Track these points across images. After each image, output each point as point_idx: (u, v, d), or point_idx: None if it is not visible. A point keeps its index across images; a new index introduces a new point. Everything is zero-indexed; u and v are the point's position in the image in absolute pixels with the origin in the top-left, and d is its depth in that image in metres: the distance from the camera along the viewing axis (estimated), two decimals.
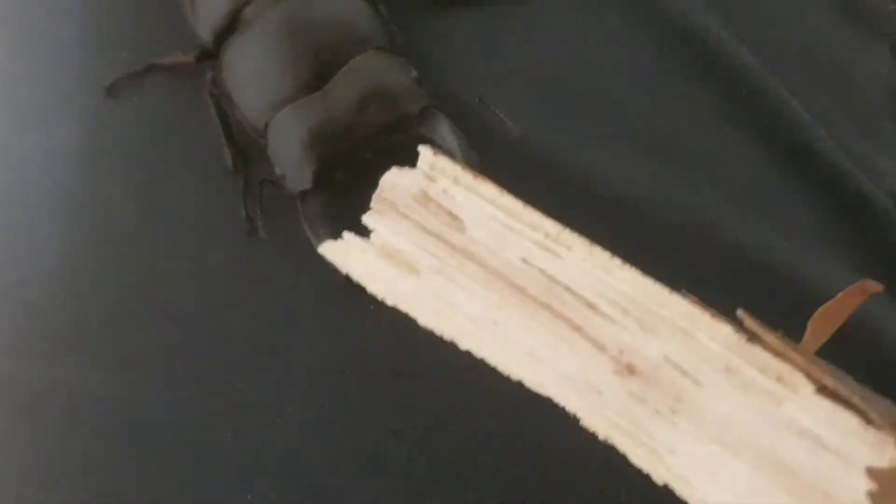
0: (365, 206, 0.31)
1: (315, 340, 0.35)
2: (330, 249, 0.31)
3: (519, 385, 0.27)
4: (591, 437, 0.26)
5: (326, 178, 0.34)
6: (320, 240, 0.32)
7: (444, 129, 0.34)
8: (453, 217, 0.30)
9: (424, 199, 0.30)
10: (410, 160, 0.31)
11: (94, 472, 0.35)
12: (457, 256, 0.29)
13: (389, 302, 0.30)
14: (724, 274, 0.34)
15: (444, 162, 0.31)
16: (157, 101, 0.39)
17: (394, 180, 0.31)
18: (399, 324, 0.31)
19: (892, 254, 0.38)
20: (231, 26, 0.37)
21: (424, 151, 0.31)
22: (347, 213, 0.31)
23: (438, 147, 0.32)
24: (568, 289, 0.28)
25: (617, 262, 0.28)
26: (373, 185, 0.31)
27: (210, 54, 0.38)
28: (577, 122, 0.37)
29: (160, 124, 0.39)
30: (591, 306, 0.27)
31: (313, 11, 0.36)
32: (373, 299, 0.30)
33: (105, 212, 0.37)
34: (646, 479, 0.25)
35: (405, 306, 0.29)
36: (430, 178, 0.30)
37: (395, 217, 0.31)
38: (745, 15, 0.39)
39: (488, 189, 0.30)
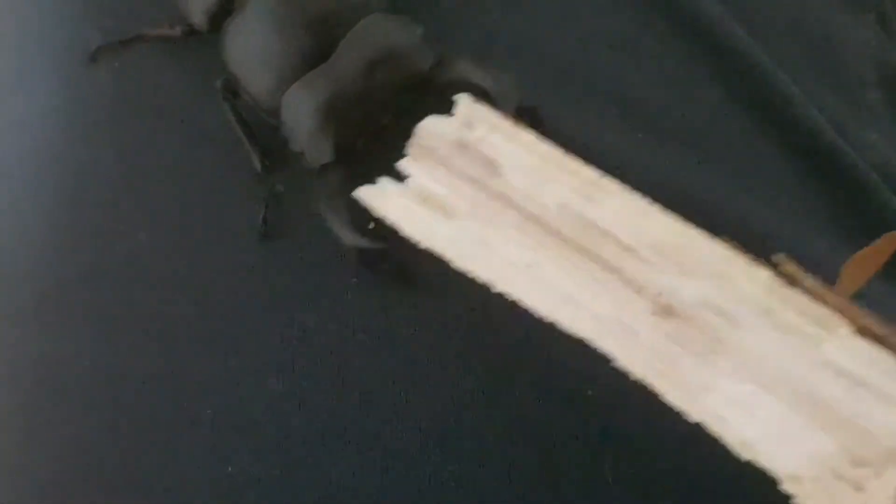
0: (389, 171, 0.31)
1: (295, 313, 0.34)
2: (366, 194, 0.31)
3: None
4: None
5: (346, 148, 0.33)
6: (340, 213, 0.32)
7: (470, 69, 0.33)
8: (490, 163, 0.30)
9: (461, 145, 0.31)
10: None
11: (71, 442, 0.34)
12: (493, 201, 0.29)
13: (424, 245, 0.30)
14: None
15: (481, 109, 0.31)
16: (139, 67, 0.38)
17: (431, 127, 0.31)
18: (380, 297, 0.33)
19: (877, 226, 0.37)
20: (225, 8, 0.36)
21: (462, 99, 0.31)
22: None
23: (471, 88, 0.31)
24: (605, 232, 0.28)
25: (655, 208, 0.28)
26: (394, 151, 0.31)
27: (194, 32, 0.37)
28: (560, 92, 0.37)
29: (142, 89, 0.38)
30: (629, 249, 0.27)
31: None
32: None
33: (86, 178, 0.37)
34: None
35: (440, 249, 0.29)
36: (468, 126, 0.31)
37: (431, 163, 0.31)
38: None
39: (526, 136, 0.30)
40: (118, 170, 0.37)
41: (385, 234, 0.31)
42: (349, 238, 0.32)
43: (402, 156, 0.31)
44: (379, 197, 0.31)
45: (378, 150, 0.32)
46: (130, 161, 0.37)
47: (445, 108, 0.31)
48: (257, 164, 0.36)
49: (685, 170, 0.36)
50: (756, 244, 0.34)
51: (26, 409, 0.35)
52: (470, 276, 0.29)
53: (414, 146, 0.31)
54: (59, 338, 0.35)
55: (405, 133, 0.31)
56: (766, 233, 0.35)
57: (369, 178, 0.31)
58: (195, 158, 0.37)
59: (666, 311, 0.26)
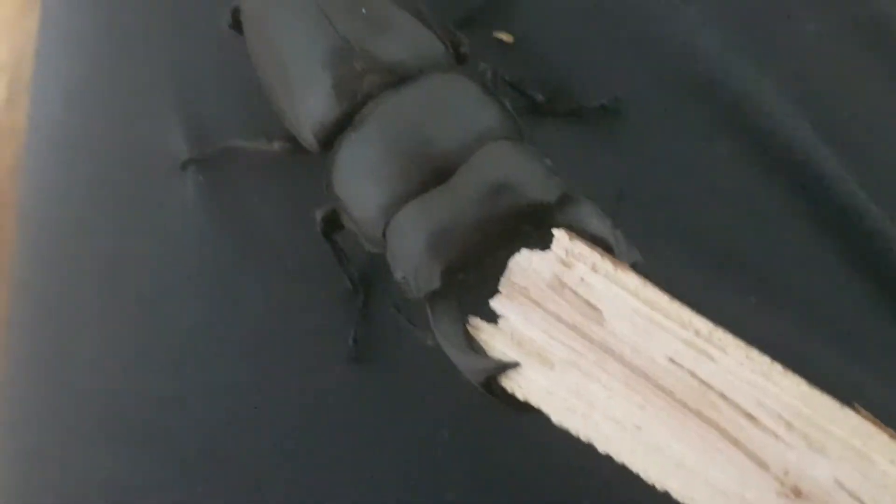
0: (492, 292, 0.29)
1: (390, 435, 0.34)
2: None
3: None
4: None
5: (456, 275, 0.30)
6: (452, 342, 0.29)
7: (593, 217, 0.30)
8: (591, 307, 0.28)
9: (559, 285, 0.28)
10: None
11: None
12: (595, 350, 0.27)
13: (520, 395, 0.28)
14: None
15: (581, 247, 0.29)
16: (226, 181, 0.38)
17: (525, 264, 0.29)
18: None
19: None
20: (341, 126, 0.34)
21: (560, 235, 0.29)
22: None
23: (588, 237, 0.29)
24: (722, 395, 0.25)
25: (778, 367, 0.25)
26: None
27: (298, 149, 0.35)
28: (671, 246, 0.35)
29: (229, 207, 0.38)
30: (750, 417, 0.25)
31: (435, 104, 0.33)
32: None
33: (167, 292, 0.37)
34: None
35: (537, 400, 0.27)
36: (566, 264, 0.29)
37: (526, 303, 0.29)
38: (855, 147, 0.37)
39: (631, 279, 0.28)
40: (198, 287, 0.36)
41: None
42: (470, 363, 0.29)
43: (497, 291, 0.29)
44: (478, 333, 0.29)
45: (489, 279, 0.30)
46: (213, 280, 0.36)
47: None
48: (348, 284, 0.35)
49: (798, 337, 0.34)
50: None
51: None
52: (571, 433, 0.27)
53: (507, 283, 0.29)
54: (131, 463, 0.34)
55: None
56: (883, 409, 0.32)
57: (479, 307, 0.29)
58: (282, 283, 0.36)
59: (795, 492, 0.24)
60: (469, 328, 0.29)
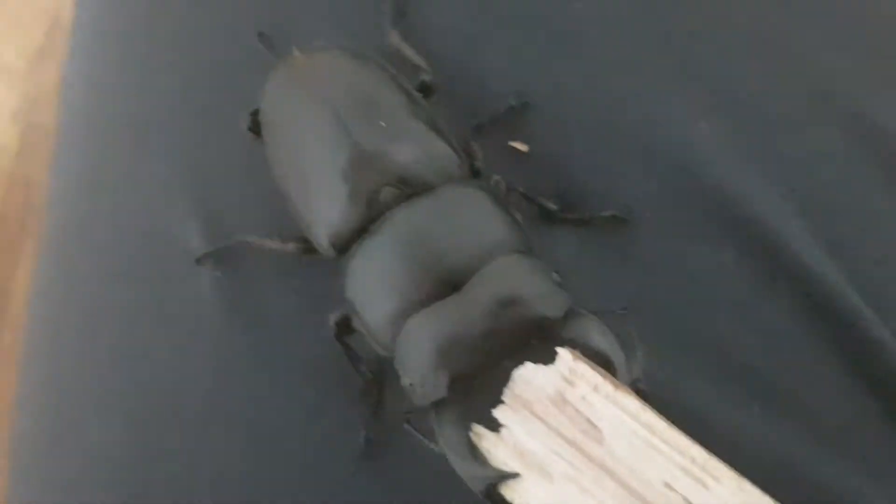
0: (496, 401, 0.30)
1: None
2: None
3: None
4: None
5: (463, 385, 0.31)
6: (455, 450, 0.30)
7: (596, 333, 0.31)
8: (591, 425, 0.29)
9: (561, 402, 0.30)
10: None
11: None
12: (593, 468, 0.28)
13: (519, 502, 0.29)
14: None
15: (583, 367, 0.30)
16: (242, 277, 0.38)
17: (529, 377, 0.30)
18: None
19: None
20: (357, 235, 0.35)
21: (563, 353, 0.30)
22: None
23: (592, 352, 0.31)
24: None
25: (768, 500, 0.27)
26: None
27: (313, 251, 0.36)
28: (676, 356, 0.36)
29: (245, 303, 0.38)
30: None
31: (447, 217, 0.34)
32: None
33: (179, 389, 0.37)
34: None
35: None
36: (569, 382, 0.30)
37: (528, 416, 0.30)
38: (861, 263, 0.38)
39: (630, 402, 0.29)
40: (212, 383, 0.37)
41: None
42: (472, 471, 0.30)
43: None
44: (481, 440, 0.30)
45: (494, 389, 0.31)
46: (225, 375, 0.37)
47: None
48: (362, 383, 0.36)
49: (801, 448, 0.35)
50: None
51: None
52: None
53: (511, 395, 0.30)
54: None
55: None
56: None
57: (483, 416, 0.30)
58: (296, 380, 0.36)
59: None
60: (472, 435, 0.30)
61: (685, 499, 0.27)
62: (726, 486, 0.27)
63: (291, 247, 0.37)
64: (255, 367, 0.37)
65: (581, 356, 0.30)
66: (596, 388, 0.30)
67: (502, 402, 0.30)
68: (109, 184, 0.42)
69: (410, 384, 0.32)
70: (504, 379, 0.31)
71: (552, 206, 0.38)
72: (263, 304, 0.38)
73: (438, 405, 0.31)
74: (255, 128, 0.39)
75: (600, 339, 0.31)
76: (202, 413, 0.36)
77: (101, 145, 0.43)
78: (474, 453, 0.30)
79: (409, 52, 0.40)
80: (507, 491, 0.29)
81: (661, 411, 0.29)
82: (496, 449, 0.30)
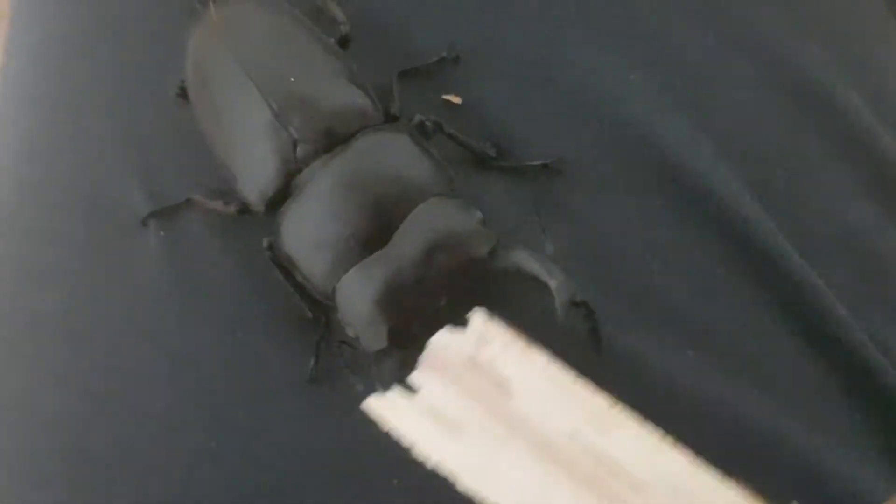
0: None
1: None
2: (377, 405, 0.31)
3: None
4: None
5: (402, 333, 0.33)
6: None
7: (526, 260, 0.32)
8: (502, 383, 0.30)
9: (473, 363, 0.31)
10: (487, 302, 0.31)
11: None
12: (503, 424, 0.29)
13: (433, 460, 0.30)
14: (752, 464, 0.34)
15: (494, 328, 0.31)
16: (186, 236, 0.39)
17: (444, 342, 0.31)
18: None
19: None
20: (283, 192, 0.36)
21: (475, 317, 0.31)
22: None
23: (527, 278, 0.32)
24: (616, 467, 0.28)
25: (667, 444, 0.28)
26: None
27: (251, 210, 0.37)
28: (612, 301, 0.36)
29: (190, 261, 0.39)
30: (639, 487, 0.27)
31: (367, 167, 0.35)
32: None
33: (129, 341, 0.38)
34: None
35: (449, 467, 0.29)
36: (482, 342, 0.31)
37: (443, 378, 0.31)
38: (788, 206, 0.39)
39: (538, 358, 0.30)
40: (160, 341, 0.37)
41: None
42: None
43: None
44: (390, 409, 0.31)
45: (433, 332, 0.32)
46: (175, 332, 0.37)
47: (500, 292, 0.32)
48: (307, 313, 0.36)
49: (732, 390, 0.36)
50: (799, 471, 0.33)
51: None
52: (477, 498, 0.29)
53: (426, 359, 0.31)
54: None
55: (460, 314, 0.31)
56: (809, 459, 0.34)
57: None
58: (242, 335, 0.37)
59: None
60: (387, 402, 0.31)
61: (590, 445, 0.28)
62: (627, 431, 0.28)
63: (233, 208, 0.38)
64: (202, 324, 0.37)
65: (492, 318, 0.31)
66: (506, 347, 0.31)
67: (418, 367, 0.31)
68: (49, 151, 0.42)
69: (355, 336, 0.33)
70: (452, 318, 0.32)
71: (489, 149, 0.39)
72: (210, 261, 0.38)
73: (381, 354, 0.33)
74: (184, 93, 0.39)
75: (531, 264, 0.32)
76: (150, 369, 0.37)
77: (38, 113, 0.43)
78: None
79: (327, 3, 0.40)
80: (422, 446, 0.30)
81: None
82: (409, 412, 0.31)
